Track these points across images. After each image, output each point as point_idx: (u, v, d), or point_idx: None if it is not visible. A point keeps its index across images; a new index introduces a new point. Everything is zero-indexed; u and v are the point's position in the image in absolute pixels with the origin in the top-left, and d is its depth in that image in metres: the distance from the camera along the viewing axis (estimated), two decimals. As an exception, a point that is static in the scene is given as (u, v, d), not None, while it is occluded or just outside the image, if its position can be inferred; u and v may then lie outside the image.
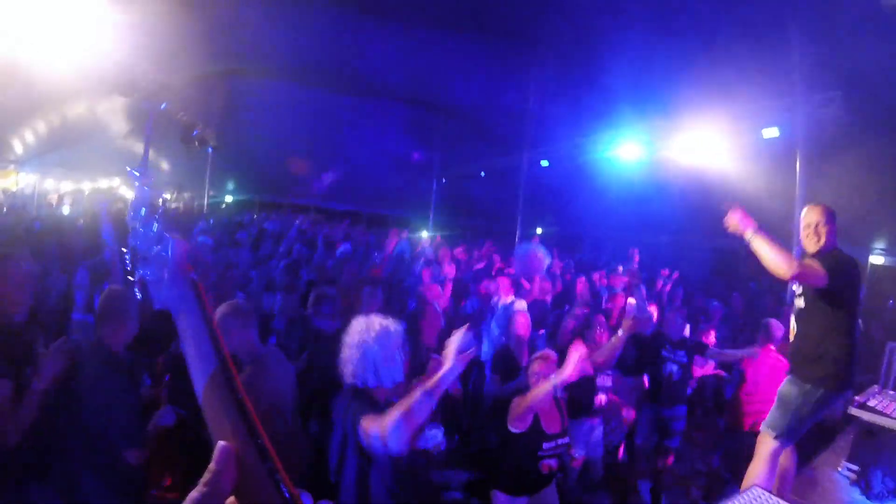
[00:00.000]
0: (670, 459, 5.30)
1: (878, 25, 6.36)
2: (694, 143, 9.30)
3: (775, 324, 5.47)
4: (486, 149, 14.29)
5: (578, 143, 11.25)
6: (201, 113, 12.10)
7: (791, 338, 3.50)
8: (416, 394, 2.30)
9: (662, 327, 5.48)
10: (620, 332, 4.31)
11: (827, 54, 6.81)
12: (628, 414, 4.96)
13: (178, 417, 3.10)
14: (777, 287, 8.53)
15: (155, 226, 0.97)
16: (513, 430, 3.44)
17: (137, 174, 1.09)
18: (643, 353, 5.29)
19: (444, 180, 16.92)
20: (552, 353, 3.72)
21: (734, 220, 3.26)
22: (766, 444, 3.38)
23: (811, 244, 3.35)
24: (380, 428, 2.29)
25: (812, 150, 7.81)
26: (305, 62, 11.79)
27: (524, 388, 3.62)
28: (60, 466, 2.65)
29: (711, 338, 5.74)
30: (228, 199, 21.12)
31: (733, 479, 4.47)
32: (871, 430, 4.65)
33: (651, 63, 8.74)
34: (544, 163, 12.37)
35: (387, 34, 10.15)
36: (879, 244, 11.25)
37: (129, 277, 1.04)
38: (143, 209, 1.01)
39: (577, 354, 3.25)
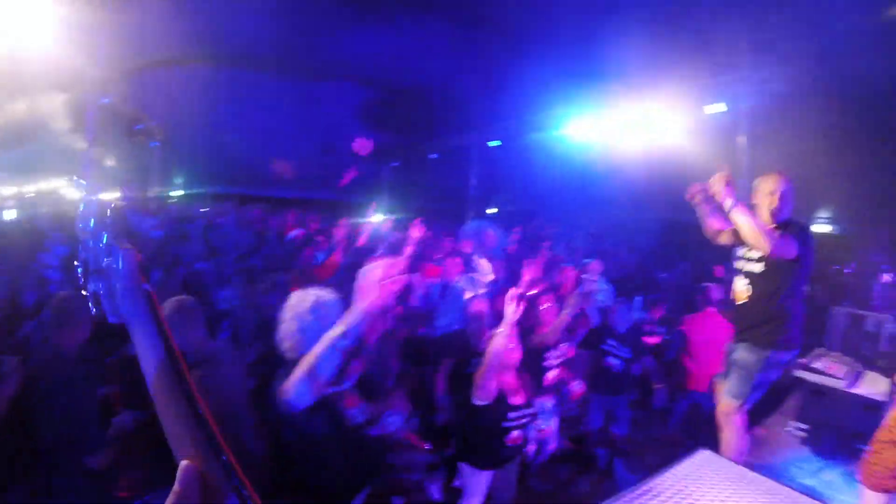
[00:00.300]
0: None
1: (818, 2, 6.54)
2: (641, 120, 9.44)
3: (714, 287, 5.59)
4: (438, 130, 14.16)
5: (528, 121, 11.24)
6: (145, 106, 11.65)
7: (740, 301, 3.52)
8: (320, 345, 2.23)
9: (609, 318, 5.45)
10: (568, 309, 4.29)
11: (768, 31, 6.93)
12: (578, 387, 4.92)
13: (136, 420, 3.08)
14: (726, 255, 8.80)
15: (105, 237, 0.93)
16: (477, 402, 3.40)
17: (84, 183, 1.02)
18: (588, 340, 5.27)
19: (396, 163, 16.76)
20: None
21: (718, 188, 3.31)
22: (732, 414, 3.43)
23: (769, 213, 3.37)
24: (287, 384, 2.23)
25: (755, 125, 8.02)
26: (250, 47, 11.47)
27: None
28: (29, 473, 2.65)
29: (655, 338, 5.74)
30: (178, 192, 20.46)
31: (689, 441, 4.53)
32: (819, 391, 4.82)
33: (597, 41, 8.79)
34: (496, 142, 12.37)
35: (333, 16, 9.94)
36: (822, 214, 11.66)
37: (82, 292, 0.96)
38: (92, 220, 0.96)
39: (511, 297, 3.24)
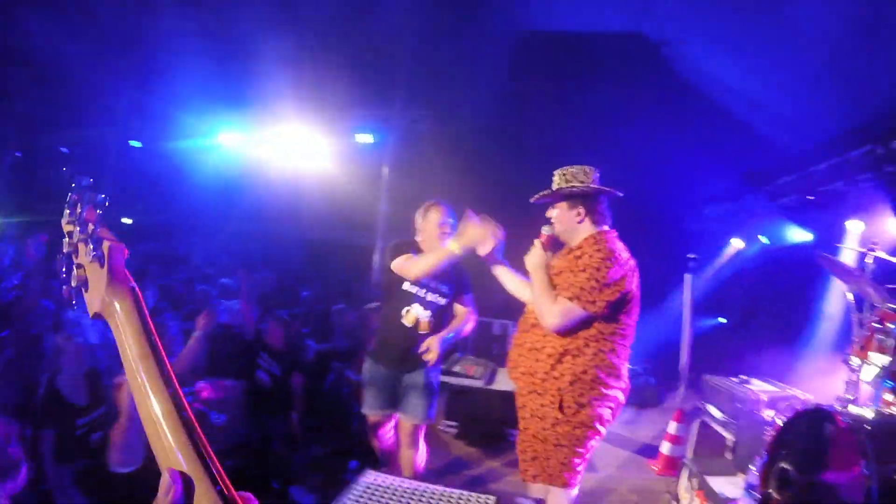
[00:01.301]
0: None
1: (448, 66, 7.72)
2: (293, 140, 9.68)
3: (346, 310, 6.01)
4: (71, 120, 11.65)
5: (176, 126, 10.32)
6: None
7: (422, 331, 3.48)
8: None
9: (264, 334, 5.19)
10: (196, 333, 3.89)
11: (421, 80, 7.87)
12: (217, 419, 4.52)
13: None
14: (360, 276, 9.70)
15: (90, 227, 0.89)
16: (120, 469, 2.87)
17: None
18: (241, 357, 5.00)
19: (18, 152, 13.18)
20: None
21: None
22: (417, 431, 3.53)
23: (437, 242, 3.40)
24: None
25: (400, 156, 8.99)
26: None
27: None
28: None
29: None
30: None
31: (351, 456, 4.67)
32: (462, 391, 5.59)
33: (254, 57, 8.65)
34: (136, 143, 11.01)
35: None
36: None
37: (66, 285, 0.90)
38: (78, 211, 0.93)
39: None
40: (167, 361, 0.79)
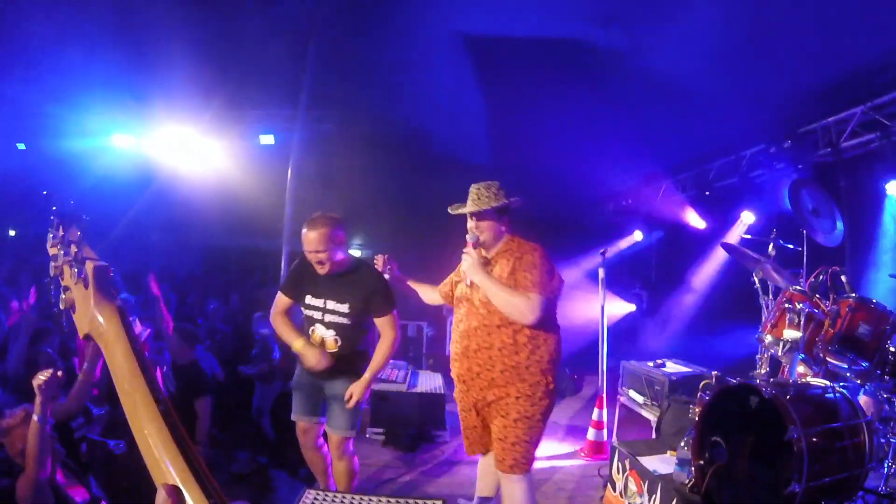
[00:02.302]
0: None
1: (359, 65, 7.57)
2: (191, 142, 9.17)
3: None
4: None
5: (63, 125, 9.40)
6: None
7: (329, 350, 3.34)
8: None
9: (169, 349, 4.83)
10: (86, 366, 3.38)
11: (326, 78, 7.64)
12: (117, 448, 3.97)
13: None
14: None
15: (73, 248, 0.89)
16: None
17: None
18: None
19: None
20: None
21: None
22: (344, 444, 3.42)
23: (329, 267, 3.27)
24: None
25: (304, 158, 8.71)
26: None
27: None
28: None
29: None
30: None
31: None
32: (384, 396, 5.50)
33: (149, 51, 8.05)
34: (20, 146, 9.93)
35: None
36: (357, 240, 13.49)
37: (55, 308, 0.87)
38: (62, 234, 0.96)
39: None
40: (157, 378, 0.80)
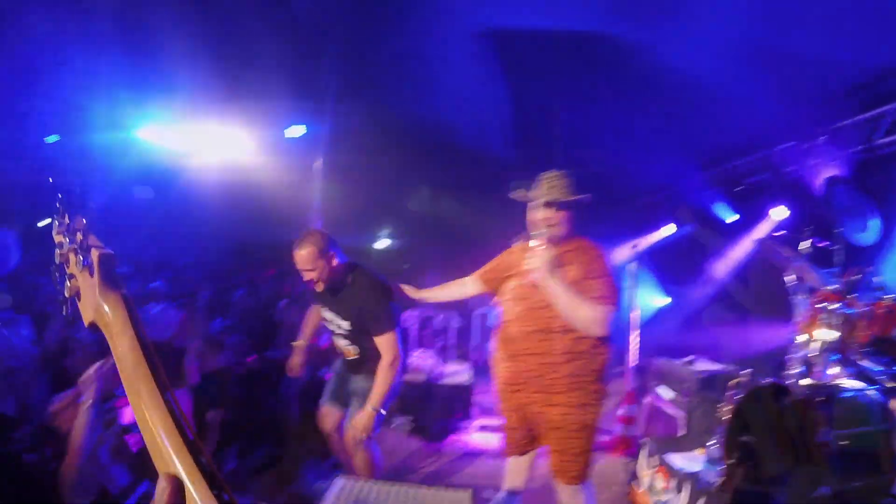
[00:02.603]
0: None
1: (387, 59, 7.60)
2: (218, 134, 9.25)
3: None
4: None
5: (94, 118, 9.58)
6: None
7: (350, 357, 3.46)
8: None
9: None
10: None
11: (355, 70, 7.69)
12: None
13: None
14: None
15: (79, 236, 0.89)
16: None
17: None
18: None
19: None
20: None
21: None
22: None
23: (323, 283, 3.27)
24: None
25: (333, 151, 8.79)
26: None
27: None
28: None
29: None
30: None
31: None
32: (412, 386, 5.57)
33: (176, 44, 8.15)
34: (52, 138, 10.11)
35: None
36: (384, 231, 13.61)
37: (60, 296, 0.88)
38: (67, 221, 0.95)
39: None
40: (162, 368, 0.78)
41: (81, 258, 0.88)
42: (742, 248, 7.17)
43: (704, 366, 4.95)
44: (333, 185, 8.89)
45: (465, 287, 3.30)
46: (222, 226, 12.96)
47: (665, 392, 5.10)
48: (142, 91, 8.81)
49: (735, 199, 7.41)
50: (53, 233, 0.95)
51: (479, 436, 5.33)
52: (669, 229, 8.71)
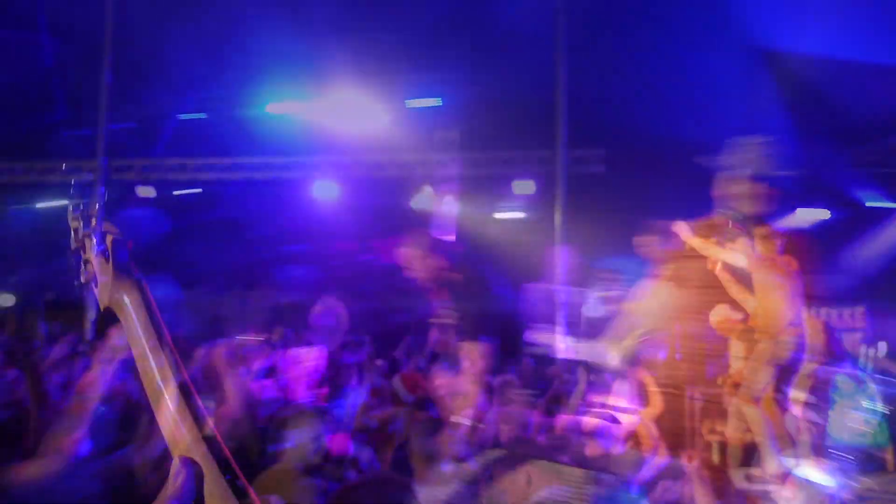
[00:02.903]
0: None
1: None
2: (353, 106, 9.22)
3: None
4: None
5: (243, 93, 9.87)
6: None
7: None
8: None
9: None
10: None
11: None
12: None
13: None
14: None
15: (94, 221, 0.91)
16: None
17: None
18: None
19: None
20: None
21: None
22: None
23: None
24: None
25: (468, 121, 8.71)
26: None
27: None
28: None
29: None
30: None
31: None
32: (541, 359, 5.76)
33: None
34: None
35: None
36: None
37: (76, 281, 0.93)
38: (83, 208, 0.96)
39: None
40: (175, 352, 0.81)
41: (96, 243, 0.90)
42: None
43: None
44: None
45: None
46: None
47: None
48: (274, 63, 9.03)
49: (886, 180, 6.76)
50: (69, 219, 0.95)
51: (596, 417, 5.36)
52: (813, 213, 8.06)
